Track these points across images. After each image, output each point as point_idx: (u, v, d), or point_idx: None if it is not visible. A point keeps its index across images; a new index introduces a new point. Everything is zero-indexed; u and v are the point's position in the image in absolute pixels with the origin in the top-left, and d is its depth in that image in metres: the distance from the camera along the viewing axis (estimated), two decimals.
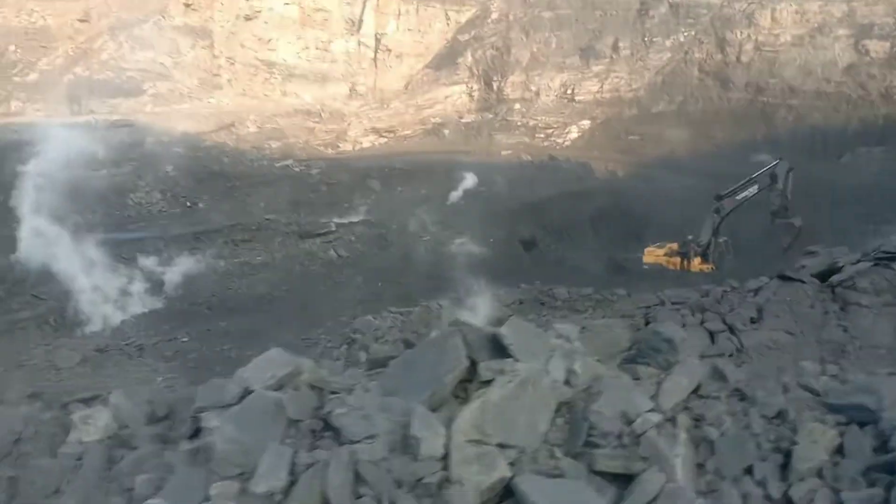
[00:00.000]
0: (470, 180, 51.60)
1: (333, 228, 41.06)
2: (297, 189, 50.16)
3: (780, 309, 12.76)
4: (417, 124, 71.94)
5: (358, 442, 6.16)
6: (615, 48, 72.15)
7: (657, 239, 42.91)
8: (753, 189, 36.52)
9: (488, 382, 6.71)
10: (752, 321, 13.10)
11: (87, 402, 9.68)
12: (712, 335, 12.90)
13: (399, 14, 79.68)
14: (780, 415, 7.01)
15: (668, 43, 71.00)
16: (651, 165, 61.61)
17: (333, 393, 6.95)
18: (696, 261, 38.24)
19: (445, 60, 77.77)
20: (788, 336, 12.04)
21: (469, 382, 6.96)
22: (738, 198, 36.88)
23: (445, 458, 6.08)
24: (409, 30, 79.61)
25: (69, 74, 78.91)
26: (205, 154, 53.29)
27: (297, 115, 70.03)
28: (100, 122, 47.01)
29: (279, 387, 6.92)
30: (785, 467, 6.40)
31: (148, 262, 34.53)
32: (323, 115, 71.23)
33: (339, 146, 66.54)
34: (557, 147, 67.11)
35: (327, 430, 6.50)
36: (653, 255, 39.58)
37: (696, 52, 69.48)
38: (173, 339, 27.52)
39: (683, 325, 13.79)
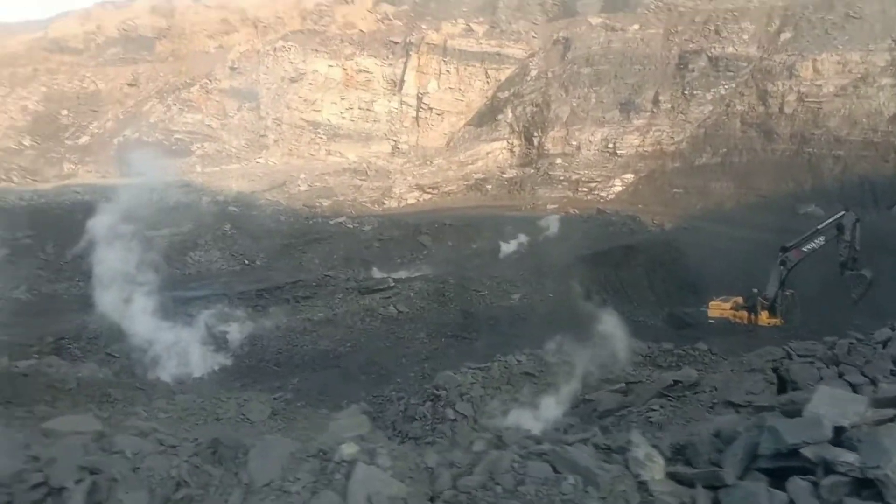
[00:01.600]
0: (521, 234, 51.62)
1: (392, 284, 41.03)
2: (351, 245, 50.55)
3: None
4: (460, 180, 72.52)
5: None
6: (655, 102, 72.49)
7: (711, 292, 42.04)
8: (820, 240, 35.85)
9: None
10: (893, 374, 12.76)
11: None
12: (854, 388, 12.59)
13: (440, 73, 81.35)
14: None
15: (708, 96, 71.21)
16: (697, 218, 61.15)
17: None
18: (764, 314, 37.41)
19: (486, 117, 78.78)
20: None
21: None
22: (804, 249, 36.21)
23: None
24: (449, 88, 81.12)
25: (119, 137, 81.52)
26: (259, 213, 54.20)
27: (345, 174, 71.18)
28: (156, 183, 48.33)
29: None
30: None
31: (214, 319, 34.81)
32: (368, 172, 72.31)
33: (384, 203, 67.24)
34: (601, 200, 67.04)
35: None
36: (718, 308, 38.80)
37: (738, 104, 69.51)
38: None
39: (821, 378, 13.48)
